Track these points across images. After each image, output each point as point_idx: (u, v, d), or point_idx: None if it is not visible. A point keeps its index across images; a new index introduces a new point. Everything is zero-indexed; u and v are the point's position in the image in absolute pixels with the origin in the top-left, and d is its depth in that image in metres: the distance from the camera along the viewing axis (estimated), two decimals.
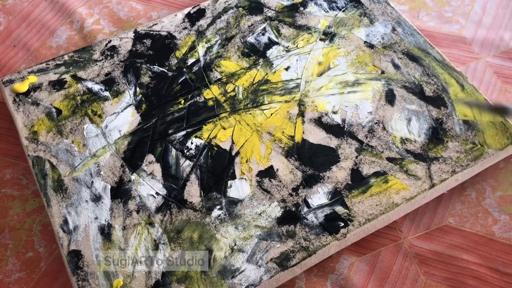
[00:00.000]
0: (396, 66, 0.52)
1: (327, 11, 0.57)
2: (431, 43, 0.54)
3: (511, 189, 0.46)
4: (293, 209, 0.43)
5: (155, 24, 0.57)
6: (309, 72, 0.52)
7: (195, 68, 0.53)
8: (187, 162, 0.46)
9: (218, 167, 0.46)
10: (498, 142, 0.46)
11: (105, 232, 0.42)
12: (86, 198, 0.44)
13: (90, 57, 0.54)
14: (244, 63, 0.53)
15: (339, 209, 0.43)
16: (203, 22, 0.57)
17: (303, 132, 0.48)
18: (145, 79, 0.52)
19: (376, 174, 0.45)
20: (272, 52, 0.54)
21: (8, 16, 0.60)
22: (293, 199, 0.44)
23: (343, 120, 0.48)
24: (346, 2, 0.58)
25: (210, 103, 0.50)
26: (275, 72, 0.52)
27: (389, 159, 0.46)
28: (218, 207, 0.44)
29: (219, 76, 0.52)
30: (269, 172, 0.45)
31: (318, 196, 0.44)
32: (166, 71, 0.52)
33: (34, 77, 0.51)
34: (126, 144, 0.47)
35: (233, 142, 0.47)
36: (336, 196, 0.44)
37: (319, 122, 0.48)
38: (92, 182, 0.45)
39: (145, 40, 0.55)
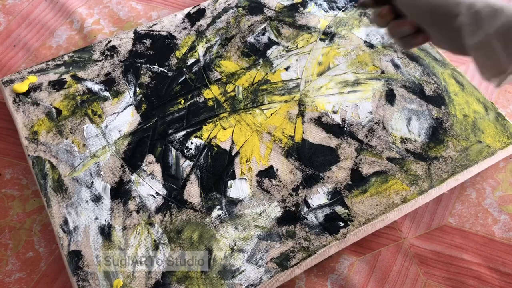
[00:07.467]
0: (396, 66, 0.52)
1: (327, 11, 0.57)
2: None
3: (511, 189, 0.46)
4: (293, 209, 0.43)
5: (155, 24, 0.56)
6: (309, 72, 0.52)
7: (195, 68, 0.53)
8: (187, 162, 0.46)
9: (218, 167, 0.46)
10: (498, 142, 0.46)
11: (105, 232, 0.42)
12: (86, 198, 0.44)
13: (90, 57, 0.53)
14: (244, 63, 0.53)
15: (339, 209, 0.43)
16: (203, 22, 0.57)
17: (303, 132, 0.48)
18: (145, 79, 0.52)
19: (376, 174, 0.45)
20: (272, 52, 0.54)
21: (8, 16, 0.60)
22: (293, 199, 0.44)
23: (343, 120, 0.48)
24: (346, 2, 0.58)
25: (210, 103, 0.50)
26: (275, 72, 0.52)
27: (389, 159, 0.46)
28: (218, 207, 0.44)
29: (219, 76, 0.52)
30: (269, 172, 0.45)
31: (318, 196, 0.44)
32: (166, 71, 0.52)
33: (34, 77, 0.51)
34: (126, 144, 0.47)
35: (233, 142, 0.47)
36: (336, 196, 0.44)
37: (319, 122, 0.48)
38: (92, 182, 0.45)
39: (145, 40, 0.55)
